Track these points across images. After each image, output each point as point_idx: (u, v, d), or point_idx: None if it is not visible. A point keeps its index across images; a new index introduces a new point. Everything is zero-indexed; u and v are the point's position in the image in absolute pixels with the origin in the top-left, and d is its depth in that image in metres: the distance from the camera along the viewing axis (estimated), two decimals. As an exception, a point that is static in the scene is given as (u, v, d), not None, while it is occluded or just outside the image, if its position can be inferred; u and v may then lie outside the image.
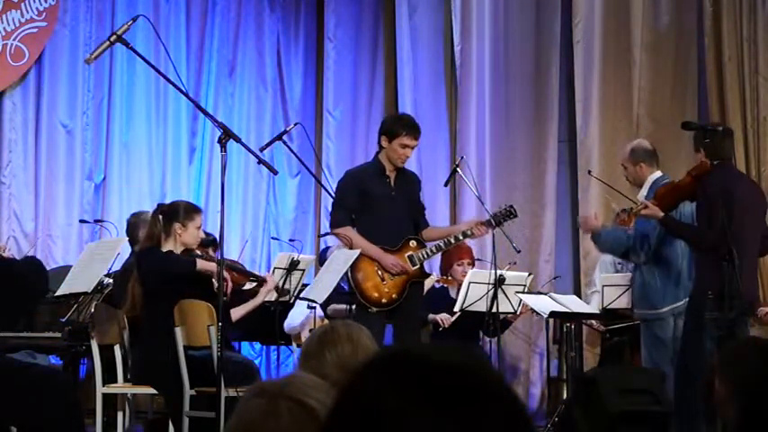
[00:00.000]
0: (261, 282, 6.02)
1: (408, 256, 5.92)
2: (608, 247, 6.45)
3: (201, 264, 5.59)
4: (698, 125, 6.50)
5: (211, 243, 6.41)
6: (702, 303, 5.59)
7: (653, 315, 6.08)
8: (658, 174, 6.25)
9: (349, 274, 5.82)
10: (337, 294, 6.21)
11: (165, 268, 5.55)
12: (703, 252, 5.72)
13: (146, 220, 6.11)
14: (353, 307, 5.89)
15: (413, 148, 5.99)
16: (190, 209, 5.79)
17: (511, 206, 6.18)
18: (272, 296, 6.43)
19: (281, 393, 1.57)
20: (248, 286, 6.19)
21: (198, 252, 5.79)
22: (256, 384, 1.66)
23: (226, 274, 5.30)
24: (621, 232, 6.20)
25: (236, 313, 5.84)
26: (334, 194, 6.07)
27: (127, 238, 6.80)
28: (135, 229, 6.77)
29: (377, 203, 5.91)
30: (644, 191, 6.22)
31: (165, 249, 5.66)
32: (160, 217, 5.69)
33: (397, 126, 5.92)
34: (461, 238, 6.03)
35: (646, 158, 6.29)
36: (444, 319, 7.14)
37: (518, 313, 7.22)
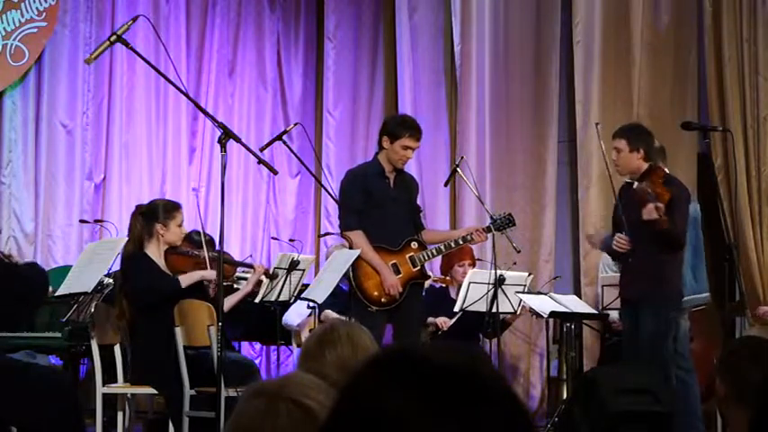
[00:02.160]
0: (252, 268, 6.04)
1: (409, 258, 5.93)
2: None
3: (186, 279, 5.58)
4: (698, 125, 6.52)
5: (208, 243, 6.40)
6: (674, 304, 5.71)
7: None
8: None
9: (350, 272, 5.83)
10: (332, 297, 6.21)
11: (152, 287, 5.55)
12: (675, 253, 5.81)
13: None
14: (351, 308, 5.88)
15: (414, 149, 6.00)
16: (169, 207, 5.77)
17: (509, 214, 6.19)
18: (273, 296, 6.43)
19: (279, 394, 1.57)
20: (240, 273, 6.20)
21: (183, 249, 5.77)
22: (255, 384, 1.65)
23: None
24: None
25: (226, 303, 5.83)
26: (339, 196, 6.06)
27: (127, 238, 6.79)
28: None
29: (378, 203, 5.92)
30: None
31: (148, 250, 5.65)
32: (140, 218, 5.68)
33: (400, 128, 5.92)
34: (461, 243, 6.04)
35: (658, 157, 6.36)
36: (443, 322, 7.13)
37: (516, 313, 7.22)
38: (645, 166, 5.92)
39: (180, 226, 5.73)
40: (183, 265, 5.73)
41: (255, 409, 1.57)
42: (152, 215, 5.67)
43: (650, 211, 5.65)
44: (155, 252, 5.67)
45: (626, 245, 5.82)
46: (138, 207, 5.82)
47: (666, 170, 6.11)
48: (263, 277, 6.18)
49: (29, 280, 4.74)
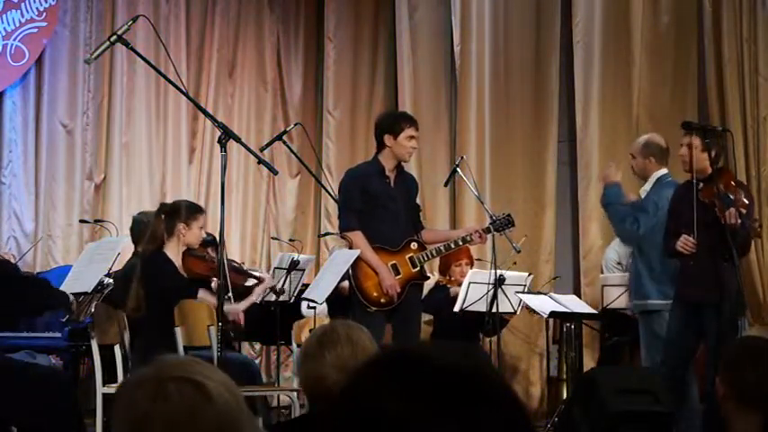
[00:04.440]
0: (260, 280, 6.04)
1: (409, 258, 5.93)
2: (609, 200, 6.45)
3: (202, 295, 5.57)
4: (698, 125, 6.51)
5: (211, 243, 6.40)
6: (735, 306, 5.67)
7: (655, 306, 6.11)
8: (664, 171, 6.29)
9: (350, 272, 5.83)
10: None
11: (166, 287, 5.55)
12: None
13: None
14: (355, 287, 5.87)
15: (416, 139, 6.04)
16: (193, 209, 5.80)
17: (509, 215, 6.19)
18: (273, 296, 6.43)
19: (165, 375, 1.53)
20: (249, 283, 6.20)
21: (200, 252, 5.78)
22: (131, 378, 1.60)
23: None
24: (624, 198, 6.26)
25: (231, 313, 5.83)
26: (338, 196, 6.06)
27: (128, 238, 6.78)
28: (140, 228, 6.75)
29: (378, 203, 5.92)
30: (647, 185, 6.28)
31: (167, 249, 5.66)
32: (163, 217, 5.70)
33: (399, 122, 5.97)
34: (461, 243, 6.04)
35: (656, 154, 6.32)
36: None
37: (516, 312, 7.21)
38: (710, 168, 5.86)
39: (201, 229, 5.75)
40: (198, 268, 5.75)
41: (144, 395, 1.52)
42: (175, 214, 5.69)
43: (733, 216, 5.62)
44: (173, 251, 5.68)
45: (692, 247, 5.78)
46: (162, 205, 5.85)
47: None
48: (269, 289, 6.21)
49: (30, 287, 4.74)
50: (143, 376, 1.55)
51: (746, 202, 5.69)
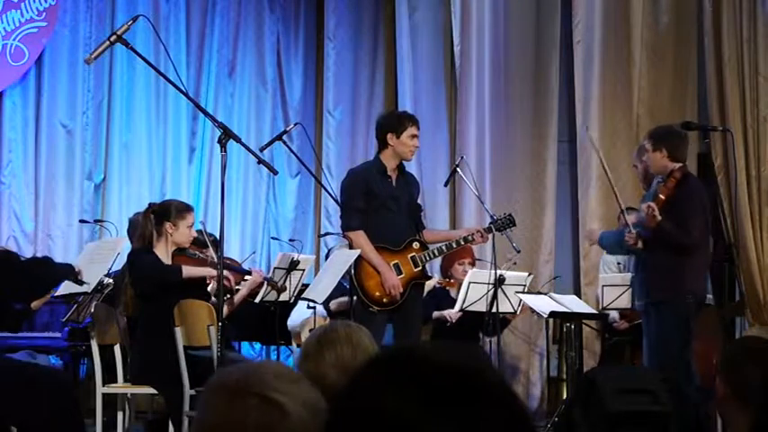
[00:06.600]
0: (249, 274, 6.08)
1: (411, 258, 5.93)
2: (610, 247, 6.46)
3: (188, 271, 5.57)
4: (698, 125, 6.51)
5: (211, 243, 6.41)
6: (687, 307, 5.60)
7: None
8: None
9: (352, 272, 5.83)
10: (336, 289, 6.23)
11: (152, 275, 5.55)
12: (684, 254, 5.67)
13: None
14: (355, 299, 5.88)
15: (418, 138, 6.06)
16: (181, 208, 5.78)
17: (510, 215, 6.20)
18: (272, 296, 6.43)
19: (244, 389, 1.55)
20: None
21: (192, 251, 5.78)
22: (215, 380, 1.61)
23: (227, 273, 5.33)
24: (618, 232, 6.26)
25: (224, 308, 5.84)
26: (340, 196, 6.07)
27: (127, 238, 6.79)
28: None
29: (381, 203, 5.92)
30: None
31: (157, 249, 5.65)
32: (152, 216, 5.69)
33: (402, 120, 5.99)
34: (462, 243, 6.05)
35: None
36: (451, 314, 7.11)
37: (517, 312, 7.21)
38: (674, 165, 5.80)
39: (190, 227, 5.73)
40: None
41: (221, 403, 1.54)
42: (163, 214, 5.68)
43: (643, 211, 5.63)
44: (162, 252, 5.67)
45: (631, 241, 5.77)
46: (151, 205, 5.84)
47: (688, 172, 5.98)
48: (266, 284, 6.22)
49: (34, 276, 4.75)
50: (226, 382, 1.57)
51: (663, 198, 5.62)
